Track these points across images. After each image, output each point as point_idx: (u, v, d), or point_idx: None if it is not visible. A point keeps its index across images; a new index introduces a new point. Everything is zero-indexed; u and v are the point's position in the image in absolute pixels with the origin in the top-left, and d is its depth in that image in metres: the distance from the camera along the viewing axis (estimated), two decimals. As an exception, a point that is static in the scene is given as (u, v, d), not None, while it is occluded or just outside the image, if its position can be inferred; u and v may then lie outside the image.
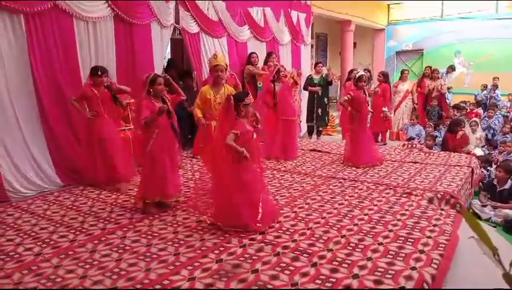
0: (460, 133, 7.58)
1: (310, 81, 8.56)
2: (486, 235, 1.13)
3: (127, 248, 3.22)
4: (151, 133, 3.94)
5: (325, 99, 8.66)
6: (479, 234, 1.13)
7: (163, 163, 4.01)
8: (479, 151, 7.66)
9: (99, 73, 4.88)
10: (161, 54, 6.40)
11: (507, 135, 8.28)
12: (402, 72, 10.10)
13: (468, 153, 7.07)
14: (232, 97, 3.52)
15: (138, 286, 2.65)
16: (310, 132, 8.97)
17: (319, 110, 8.58)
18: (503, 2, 13.21)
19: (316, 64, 9.02)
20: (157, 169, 4.00)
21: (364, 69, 9.00)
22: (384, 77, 8.90)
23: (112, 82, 5.18)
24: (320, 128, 8.97)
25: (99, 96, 4.89)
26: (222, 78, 4.29)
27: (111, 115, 5.08)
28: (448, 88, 12.22)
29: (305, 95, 8.92)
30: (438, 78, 9.78)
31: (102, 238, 3.40)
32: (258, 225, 3.46)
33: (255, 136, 3.56)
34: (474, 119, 8.87)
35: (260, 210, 3.50)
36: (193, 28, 6.76)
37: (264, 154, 5.58)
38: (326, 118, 8.91)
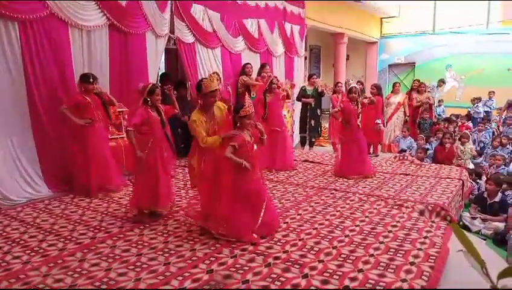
0: (448, 146, 7.69)
1: (303, 93, 8.61)
2: (474, 249, 1.14)
3: (117, 257, 3.19)
4: (146, 143, 3.95)
5: (318, 111, 8.70)
6: (467, 247, 1.14)
7: (158, 172, 4.02)
8: (471, 165, 7.73)
9: (91, 80, 4.88)
10: (155, 63, 6.41)
11: (497, 149, 8.35)
12: (394, 84, 10.20)
13: (459, 165, 7.13)
14: (232, 108, 3.57)
15: (127, 296, 2.62)
16: (302, 142, 9.00)
17: (312, 122, 8.62)
18: (494, 17, 13.42)
19: (310, 76, 9.07)
20: (152, 178, 4.01)
21: (357, 82, 9.08)
22: (377, 89, 8.99)
23: (103, 92, 5.15)
24: (313, 139, 9.00)
25: (92, 102, 4.88)
26: (214, 103, 3.95)
27: (103, 122, 5.08)
28: (439, 101, 12.37)
29: (298, 106, 8.96)
30: (425, 91, 9.93)
31: (92, 247, 3.38)
32: (254, 235, 3.45)
33: (255, 147, 3.57)
34: (465, 132, 8.95)
35: (259, 221, 3.50)
36: (188, 38, 6.79)
37: None
38: (319, 129, 8.95)
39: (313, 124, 8.65)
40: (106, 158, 4.98)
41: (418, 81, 10.41)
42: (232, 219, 3.47)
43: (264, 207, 3.56)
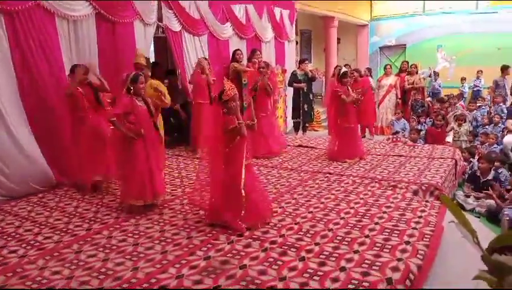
0: (439, 126, 7.79)
1: (294, 78, 8.58)
2: (465, 219, 1.15)
3: (114, 247, 3.19)
4: (137, 132, 3.92)
5: (310, 95, 8.70)
6: (459, 218, 1.15)
7: (150, 163, 3.99)
8: (449, 139, 7.86)
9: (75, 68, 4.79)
10: (145, 51, 6.31)
11: (486, 126, 8.41)
12: (385, 67, 10.20)
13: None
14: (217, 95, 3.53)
15: (125, 286, 2.63)
16: (296, 127, 9.01)
17: (305, 106, 8.62)
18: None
19: (302, 61, 9.02)
20: (143, 169, 3.95)
21: (345, 65, 9.05)
22: (359, 73, 8.92)
23: (97, 76, 4.96)
24: (307, 124, 9.02)
25: (84, 93, 4.78)
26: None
27: (98, 113, 4.94)
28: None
29: (290, 91, 8.94)
30: (416, 73, 9.92)
31: (88, 239, 3.37)
32: (239, 222, 3.40)
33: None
34: (462, 112, 8.97)
35: (243, 208, 3.44)
36: (175, 26, 6.71)
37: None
38: (312, 113, 8.96)
39: (306, 109, 8.64)
40: (102, 149, 4.82)
41: (407, 62, 10.42)
42: (219, 204, 3.48)
43: (244, 195, 3.45)
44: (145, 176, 3.93)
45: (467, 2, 13.60)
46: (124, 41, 5.87)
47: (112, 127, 4.56)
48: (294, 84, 8.53)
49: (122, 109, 3.92)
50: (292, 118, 9.02)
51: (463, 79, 12.87)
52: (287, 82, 8.83)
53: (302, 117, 8.71)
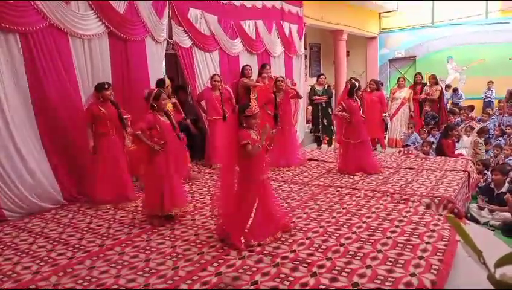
0: (454, 139, 7.68)
1: (314, 93, 8.75)
2: (469, 238, 1.12)
3: (126, 263, 3.21)
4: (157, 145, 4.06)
5: (329, 110, 8.85)
6: (463, 237, 1.13)
7: (170, 174, 4.10)
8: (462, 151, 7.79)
9: (106, 86, 4.89)
10: (157, 68, 6.39)
11: (499, 138, 8.32)
12: (398, 79, 10.16)
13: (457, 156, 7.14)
14: (237, 109, 3.56)
15: (137, 302, 2.63)
16: (317, 142, 9.12)
17: (325, 121, 8.75)
18: (493, 7, 13.38)
19: (319, 76, 9.23)
20: (164, 182, 4.06)
21: (351, 78, 9.10)
22: (376, 85, 8.96)
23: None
24: (328, 138, 9.15)
25: (107, 114, 4.86)
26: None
27: (119, 133, 5.03)
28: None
29: (303, 103, 9.08)
30: (436, 83, 9.77)
31: (101, 255, 3.39)
32: (242, 240, 3.35)
33: (260, 146, 3.56)
34: (469, 124, 8.92)
35: (248, 225, 3.40)
36: (186, 42, 6.79)
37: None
38: (332, 127, 9.05)
39: (325, 123, 8.76)
40: (120, 170, 4.91)
41: (420, 74, 10.31)
42: (225, 221, 3.51)
43: (254, 210, 3.45)
44: (166, 188, 4.03)
45: (477, 12, 13.56)
46: (136, 58, 5.97)
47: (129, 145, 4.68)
48: (316, 98, 8.70)
49: (147, 124, 4.09)
50: (314, 133, 9.17)
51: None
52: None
53: (322, 131, 8.84)
